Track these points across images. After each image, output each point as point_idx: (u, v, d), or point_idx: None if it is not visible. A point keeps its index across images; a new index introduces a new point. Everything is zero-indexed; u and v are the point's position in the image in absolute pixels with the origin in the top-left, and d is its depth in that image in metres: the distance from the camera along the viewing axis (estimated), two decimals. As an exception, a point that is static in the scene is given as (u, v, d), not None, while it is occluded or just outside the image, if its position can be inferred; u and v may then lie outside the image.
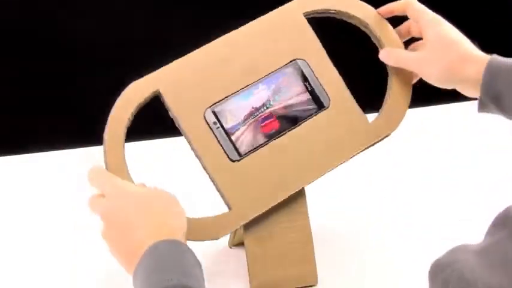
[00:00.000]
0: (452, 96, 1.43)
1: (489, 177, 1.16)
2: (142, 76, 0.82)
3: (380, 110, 0.89)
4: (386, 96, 0.90)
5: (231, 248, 0.94)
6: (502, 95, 0.79)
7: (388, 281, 0.88)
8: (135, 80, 0.82)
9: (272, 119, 0.85)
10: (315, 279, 0.86)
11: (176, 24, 1.36)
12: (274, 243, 0.84)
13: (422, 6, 0.87)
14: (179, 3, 1.34)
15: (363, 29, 0.91)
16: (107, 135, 0.79)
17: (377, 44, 0.91)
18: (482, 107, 0.83)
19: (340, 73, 0.88)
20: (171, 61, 0.83)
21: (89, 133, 1.36)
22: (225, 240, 0.95)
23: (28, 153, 1.28)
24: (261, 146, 0.84)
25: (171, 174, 1.17)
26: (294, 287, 0.85)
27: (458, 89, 0.86)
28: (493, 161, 1.22)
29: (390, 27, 0.91)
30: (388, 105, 0.89)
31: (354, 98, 0.88)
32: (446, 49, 0.83)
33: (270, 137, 0.84)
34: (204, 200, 1.06)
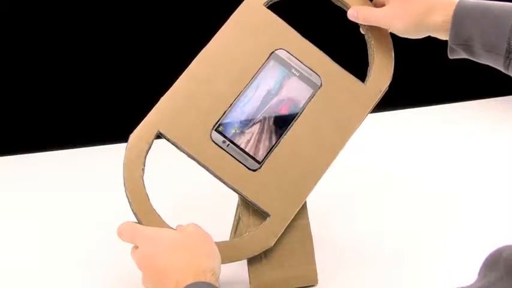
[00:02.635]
0: (452, 96, 1.43)
1: (489, 176, 1.16)
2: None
3: (368, 69, 0.89)
4: (369, 53, 0.89)
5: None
6: (471, 40, 0.78)
7: (388, 281, 0.88)
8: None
9: (275, 117, 0.84)
10: (315, 279, 0.86)
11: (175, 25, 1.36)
12: (275, 243, 0.84)
13: None
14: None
15: None
16: (129, 194, 0.79)
17: (343, 7, 0.89)
18: (452, 53, 0.82)
19: (323, 50, 0.88)
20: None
21: (91, 132, 1.36)
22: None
23: (29, 153, 1.28)
24: (275, 145, 0.84)
25: (173, 174, 1.17)
26: (294, 286, 0.85)
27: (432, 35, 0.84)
28: (493, 161, 1.22)
29: None
30: (373, 60, 0.88)
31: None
32: (410, 0, 0.82)
33: (281, 134, 0.84)
34: (206, 199, 1.07)
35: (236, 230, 0.89)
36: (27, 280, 0.90)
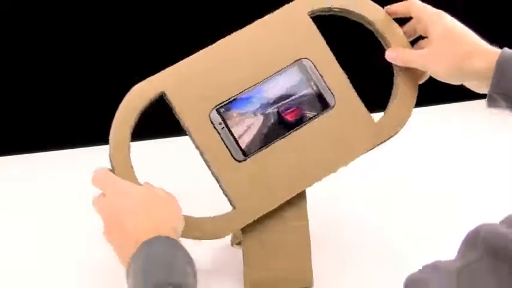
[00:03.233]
0: (452, 96, 1.43)
1: (489, 177, 1.16)
2: (146, 76, 0.82)
3: (386, 110, 0.89)
4: (393, 96, 0.89)
5: (233, 246, 0.94)
6: None
7: (386, 282, 0.88)
8: (139, 81, 0.82)
9: (279, 119, 0.84)
10: (310, 281, 0.86)
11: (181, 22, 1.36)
12: (272, 244, 0.83)
13: (424, 4, 0.86)
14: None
15: (368, 27, 0.90)
16: (112, 139, 0.80)
17: (383, 43, 0.90)
18: (491, 103, 0.81)
19: (346, 72, 0.88)
20: (175, 62, 0.83)
21: (91, 132, 1.36)
22: (223, 240, 0.95)
23: (29, 152, 1.28)
24: (266, 146, 0.84)
25: (173, 174, 1.17)
26: (289, 288, 0.85)
27: (467, 85, 0.84)
28: (493, 161, 1.22)
29: (396, 26, 0.89)
30: (394, 104, 0.88)
31: (360, 96, 0.87)
32: (452, 44, 0.82)
33: (277, 137, 0.84)
34: (205, 199, 1.07)
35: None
36: (27, 279, 0.90)
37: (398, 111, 0.88)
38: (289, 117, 0.85)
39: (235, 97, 0.83)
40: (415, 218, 1.03)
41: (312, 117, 0.85)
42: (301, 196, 0.85)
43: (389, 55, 0.88)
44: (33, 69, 1.33)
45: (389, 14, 0.89)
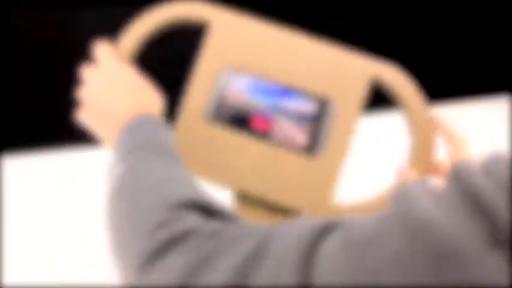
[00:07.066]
0: (452, 96, 1.44)
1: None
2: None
3: (357, 202, 0.84)
4: (377, 194, 0.85)
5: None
6: None
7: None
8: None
9: (262, 121, 0.83)
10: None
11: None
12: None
13: (467, 141, 0.85)
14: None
15: (405, 117, 0.85)
16: (137, 21, 0.80)
17: (408, 130, 0.86)
18: None
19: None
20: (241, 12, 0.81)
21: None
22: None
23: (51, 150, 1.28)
24: (233, 128, 0.81)
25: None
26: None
27: None
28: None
29: (434, 139, 0.85)
30: (369, 201, 0.84)
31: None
32: None
33: (247, 130, 0.82)
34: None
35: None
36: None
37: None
38: (258, 125, 0.82)
39: (252, 76, 0.81)
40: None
41: (288, 147, 0.81)
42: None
43: (401, 173, 0.84)
44: (40, 69, 1.33)
45: (437, 123, 0.85)
